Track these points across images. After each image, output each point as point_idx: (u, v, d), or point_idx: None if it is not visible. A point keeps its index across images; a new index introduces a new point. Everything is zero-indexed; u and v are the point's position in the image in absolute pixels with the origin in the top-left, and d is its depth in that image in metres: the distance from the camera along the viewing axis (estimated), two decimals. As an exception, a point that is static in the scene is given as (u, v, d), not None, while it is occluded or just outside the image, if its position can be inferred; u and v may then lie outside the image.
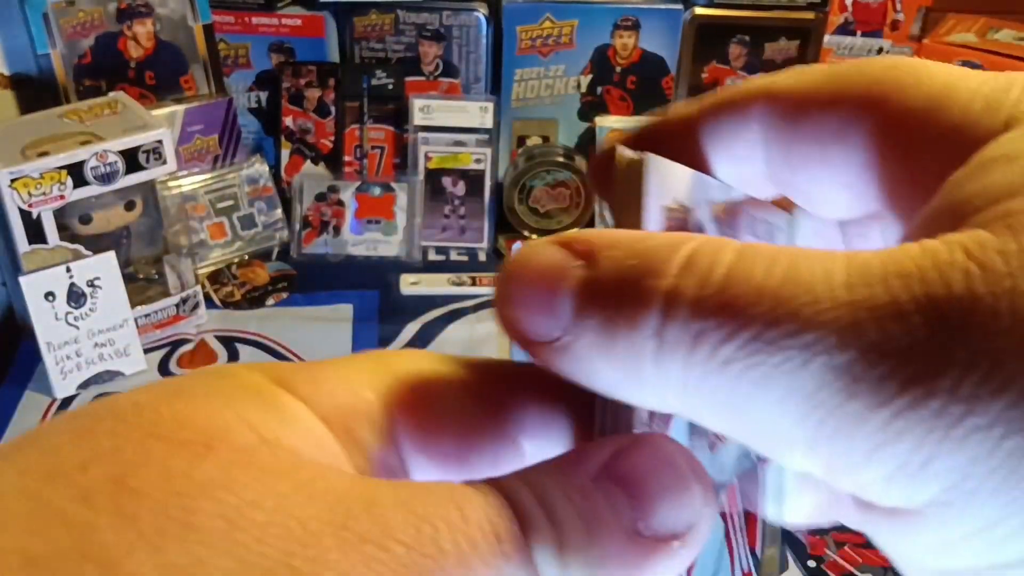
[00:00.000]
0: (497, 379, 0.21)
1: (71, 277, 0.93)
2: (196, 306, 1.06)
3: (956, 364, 0.14)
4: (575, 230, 0.19)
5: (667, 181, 0.20)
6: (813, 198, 0.21)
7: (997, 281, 0.14)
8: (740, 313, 0.15)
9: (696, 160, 0.21)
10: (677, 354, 0.16)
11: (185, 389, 0.17)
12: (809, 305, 0.15)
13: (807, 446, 0.16)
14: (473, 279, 1.14)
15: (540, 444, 0.20)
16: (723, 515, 0.22)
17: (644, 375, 0.17)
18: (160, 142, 0.96)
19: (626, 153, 0.19)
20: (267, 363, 0.19)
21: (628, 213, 0.19)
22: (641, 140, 0.22)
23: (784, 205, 0.22)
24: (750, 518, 0.23)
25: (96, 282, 0.95)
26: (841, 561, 0.80)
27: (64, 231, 0.95)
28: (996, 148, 0.16)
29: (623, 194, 0.19)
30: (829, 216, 0.21)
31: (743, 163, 0.21)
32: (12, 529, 0.14)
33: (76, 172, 0.92)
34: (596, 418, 0.19)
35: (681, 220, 0.20)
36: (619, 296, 0.17)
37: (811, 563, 0.80)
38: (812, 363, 0.15)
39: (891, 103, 0.18)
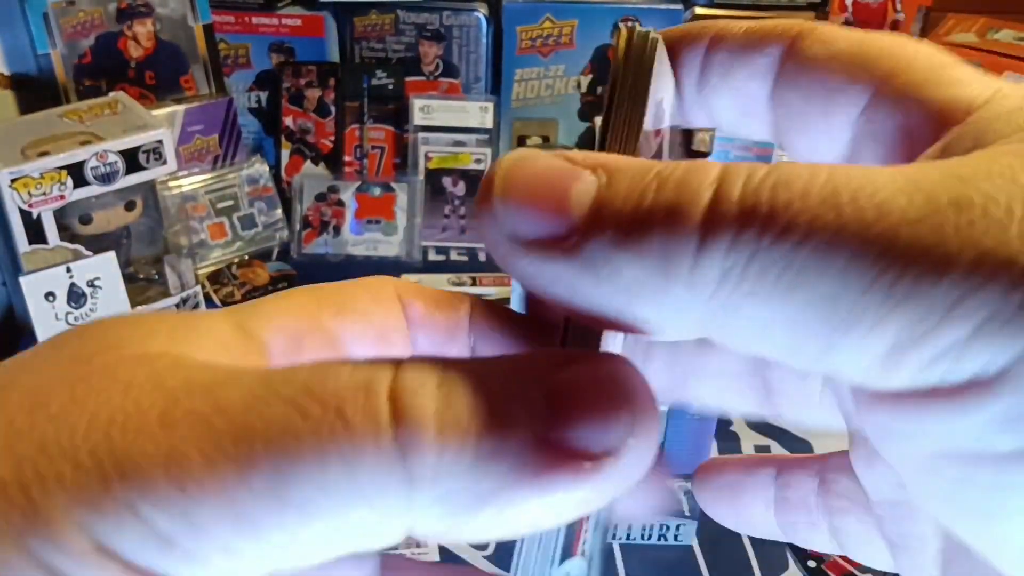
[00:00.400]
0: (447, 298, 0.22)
1: (71, 277, 0.93)
2: (196, 306, 1.06)
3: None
4: (570, 151, 0.18)
5: (662, 77, 0.19)
6: (801, 145, 0.21)
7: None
8: (791, 207, 0.15)
9: (703, 78, 0.22)
10: (724, 236, 0.15)
11: (112, 322, 0.19)
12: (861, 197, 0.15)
13: (874, 320, 0.15)
14: (473, 279, 1.14)
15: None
16: None
17: (677, 266, 0.16)
18: (160, 142, 0.96)
19: (644, 31, 0.19)
20: (244, 303, 0.21)
21: (635, 96, 0.18)
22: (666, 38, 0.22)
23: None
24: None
25: (96, 282, 0.94)
26: (841, 561, 0.80)
27: (64, 231, 0.95)
28: (991, 108, 0.18)
29: (631, 73, 0.19)
30: (819, 159, 0.21)
31: (747, 97, 0.21)
32: None
33: (76, 172, 0.92)
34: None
35: (656, 120, 0.20)
36: (649, 200, 0.16)
37: (811, 563, 0.80)
38: (876, 226, 0.15)
39: (903, 95, 0.19)
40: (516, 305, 0.21)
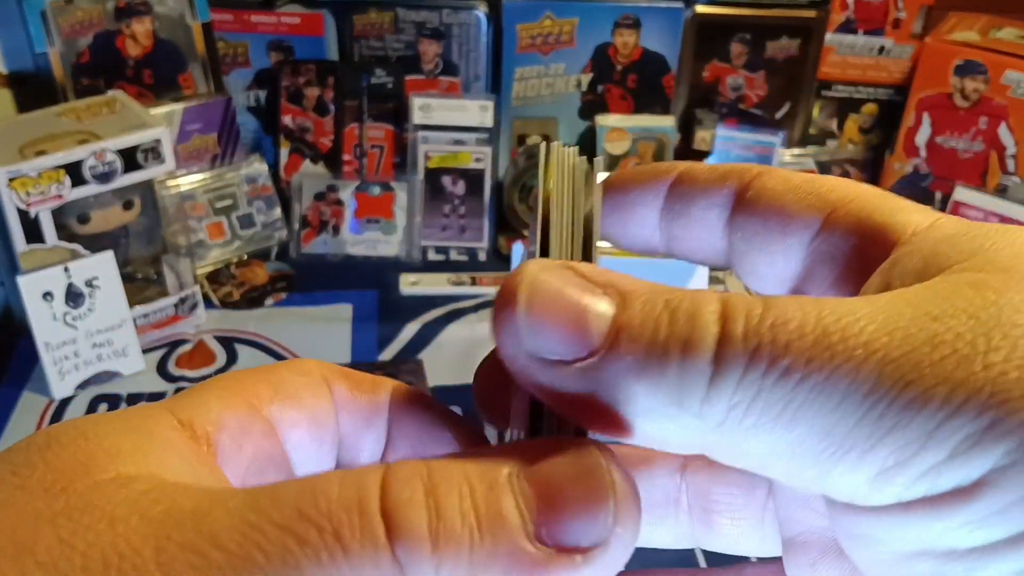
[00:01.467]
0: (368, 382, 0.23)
1: (69, 277, 0.93)
2: (195, 306, 1.05)
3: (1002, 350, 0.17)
4: (577, 263, 0.20)
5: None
6: (759, 265, 0.23)
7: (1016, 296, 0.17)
8: (792, 337, 0.17)
9: (654, 211, 0.24)
10: (736, 371, 0.17)
11: (66, 438, 0.19)
12: (855, 324, 0.17)
13: (863, 449, 0.17)
14: (473, 279, 1.14)
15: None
16: None
17: (690, 399, 0.17)
18: (158, 141, 0.96)
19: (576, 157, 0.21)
20: (182, 395, 0.22)
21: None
22: (616, 181, 0.25)
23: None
24: None
25: (94, 282, 0.94)
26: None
27: (62, 230, 0.95)
28: (934, 231, 0.20)
29: (569, 192, 0.21)
30: (762, 288, 0.24)
31: (705, 225, 0.23)
32: None
33: (74, 171, 0.92)
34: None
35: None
36: (667, 324, 0.18)
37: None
38: (868, 362, 0.17)
39: (854, 220, 0.21)
40: None
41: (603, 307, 0.18)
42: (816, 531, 0.24)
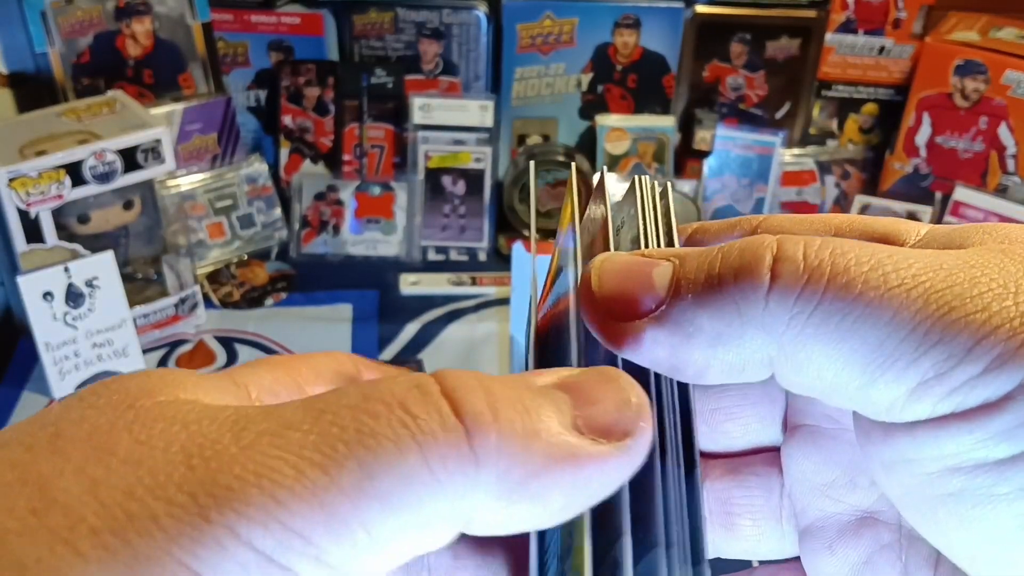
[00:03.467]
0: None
1: (69, 277, 0.93)
2: (195, 306, 1.05)
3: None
4: (642, 249, 0.23)
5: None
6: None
7: None
8: (844, 260, 0.20)
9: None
10: (792, 290, 0.20)
11: (135, 375, 0.20)
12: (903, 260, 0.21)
13: (910, 359, 0.19)
14: (473, 279, 1.13)
15: None
16: None
17: (752, 317, 0.20)
18: (159, 141, 0.96)
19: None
20: (235, 367, 0.23)
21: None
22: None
23: None
24: None
25: (94, 282, 0.94)
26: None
27: (62, 230, 0.95)
28: (937, 230, 0.23)
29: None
30: None
31: None
32: None
33: (74, 171, 0.92)
34: None
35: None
36: (719, 266, 0.21)
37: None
38: (918, 287, 0.19)
39: (860, 233, 0.24)
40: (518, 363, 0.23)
41: (663, 266, 0.22)
42: (831, 515, 0.25)
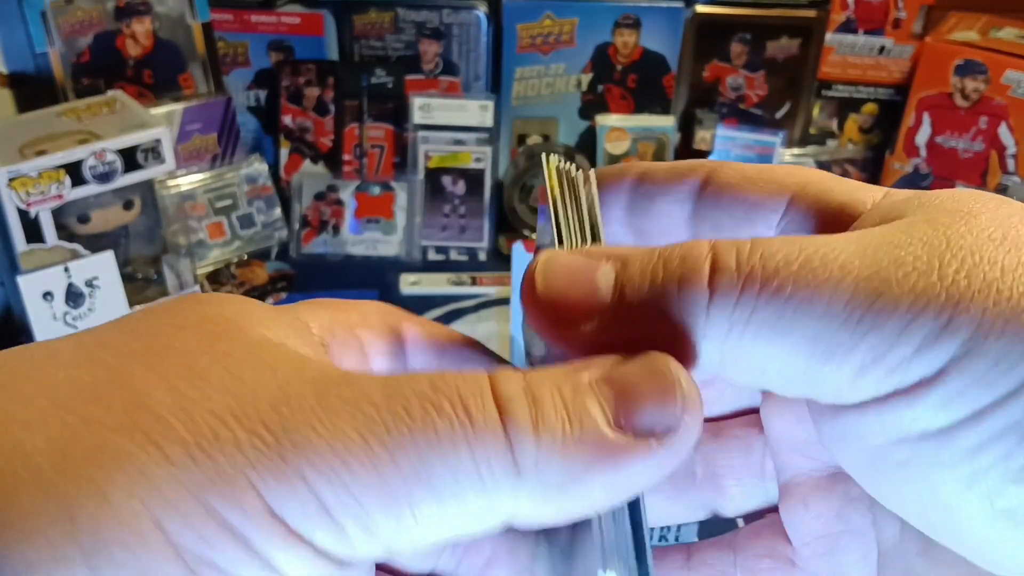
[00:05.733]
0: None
1: (69, 277, 0.93)
2: (195, 306, 1.05)
3: (952, 267, 0.20)
4: (585, 248, 0.23)
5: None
6: None
7: (957, 236, 0.21)
8: (778, 257, 0.20)
9: (631, 204, 0.26)
10: (731, 295, 0.20)
11: (214, 299, 0.22)
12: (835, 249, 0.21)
13: (848, 347, 0.20)
14: (473, 279, 1.13)
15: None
16: None
17: (694, 323, 0.21)
18: (159, 141, 0.96)
19: (566, 166, 0.24)
20: (294, 305, 0.24)
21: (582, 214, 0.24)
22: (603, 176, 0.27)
23: None
24: None
25: (94, 282, 0.94)
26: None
27: (62, 230, 0.95)
28: (889, 198, 0.23)
29: (572, 199, 0.24)
30: None
31: (670, 219, 0.26)
32: (69, 368, 0.19)
33: (74, 171, 0.92)
34: None
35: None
36: (661, 268, 0.21)
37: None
38: (846, 278, 0.20)
39: (815, 201, 0.24)
40: (516, 331, 0.24)
41: (605, 270, 0.22)
42: (805, 472, 0.26)
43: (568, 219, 0.24)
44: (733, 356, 0.21)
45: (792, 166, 0.25)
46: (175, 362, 0.19)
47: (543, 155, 0.25)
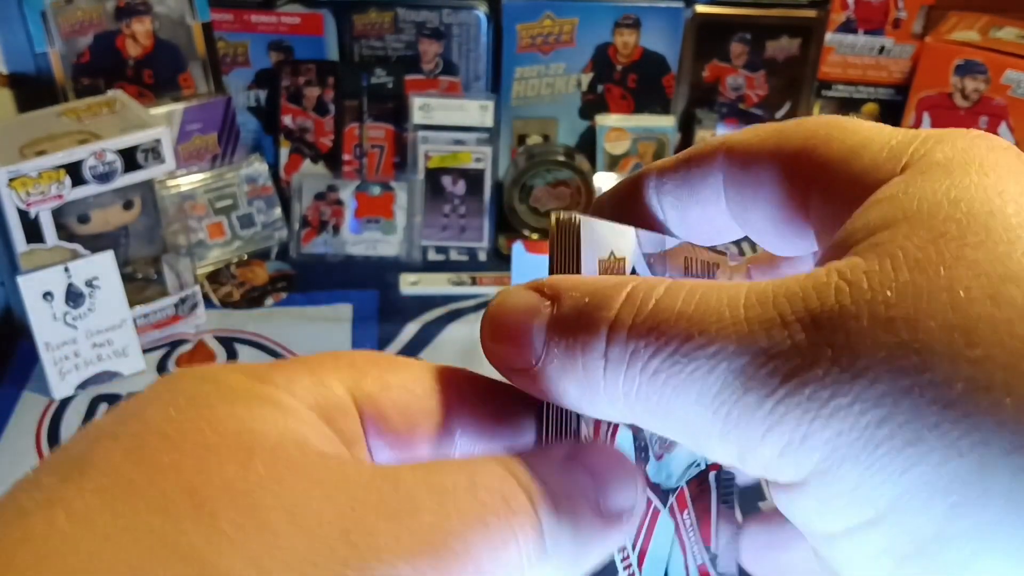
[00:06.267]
0: (441, 379, 0.24)
1: (69, 277, 0.93)
2: (195, 306, 1.05)
3: (824, 359, 0.18)
4: (546, 277, 0.23)
5: (601, 237, 0.24)
6: (766, 237, 0.24)
7: (860, 295, 0.18)
8: (663, 333, 0.20)
9: (665, 208, 0.26)
10: (619, 370, 0.20)
11: (198, 398, 0.20)
12: (715, 323, 0.19)
13: (720, 437, 0.19)
14: (473, 279, 1.13)
15: (471, 441, 0.25)
16: (672, 514, 0.26)
17: (597, 390, 0.21)
18: (159, 141, 0.96)
19: (561, 215, 0.24)
20: (235, 364, 0.23)
21: (566, 267, 0.23)
22: (616, 195, 0.27)
23: (718, 251, 0.27)
24: (703, 518, 0.27)
25: (94, 282, 0.94)
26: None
27: (62, 230, 0.95)
28: (884, 190, 0.20)
29: (561, 251, 0.24)
30: (783, 254, 0.25)
31: (709, 207, 0.25)
32: (110, 547, 0.16)
33: (74, 171, 0.92)
34: (542, 432, 0.23)
35: (618, 270, 0.24)
36: (576, 327, 0.21)
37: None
38: (717, 368, 0.19)
39: (818, 153, 0.22)
40: None
41: (541, 317, 0.22)
42: None
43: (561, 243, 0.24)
44: (638, 415, 0.21)
45: (804, 120, 0.23)
46: (222, 505, 0.18)
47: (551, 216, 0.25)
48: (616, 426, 0.24)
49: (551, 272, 0.24)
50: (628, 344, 0.20)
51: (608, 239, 0.24)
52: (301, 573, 0.17)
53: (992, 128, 1.12)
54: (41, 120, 0.98)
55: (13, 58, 1.09)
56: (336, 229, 1.17)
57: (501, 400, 0.24)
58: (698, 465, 0.27)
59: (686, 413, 0.20)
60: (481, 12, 1.16)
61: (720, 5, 1.18)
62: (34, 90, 1.09)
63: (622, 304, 0.21)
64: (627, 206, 0.26)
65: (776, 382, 0.18)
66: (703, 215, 0.25)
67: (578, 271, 0.23)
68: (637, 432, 0.25)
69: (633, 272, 0.25)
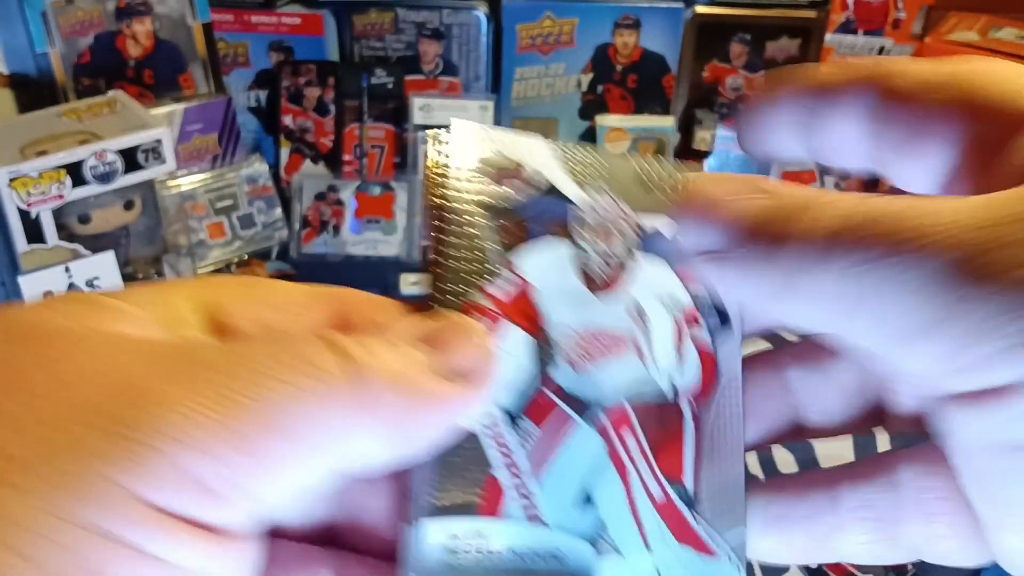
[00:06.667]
0: (312, 295, 0.25)
1: (70, 277, 0.93)
2: (195, 306, 1.05)
3: None
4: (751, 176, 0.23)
5: (482, 140, 0.26)
6: (901, 175, 0.24)
7: None
8: (885, 225, 0.19)
9: (795, 121, 0.25)
10: (832, 261, 0.19)
11: (49, 304, 0.21)
12: (936, 217, 0.19)
13: (932, 331, 0.18)
14: (473, 279, 1.13)
15: None
16: (604, 434, 0.25)
17: (799, 283, 0.20)
18: (159, 141, 0.96)
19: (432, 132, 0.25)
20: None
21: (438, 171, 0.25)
22: (766, 91, 0.26)
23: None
24: (664, 447, 0.25)
25: (95, 282, 0.94)
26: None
27: (63, 231, 0.95)
28: None
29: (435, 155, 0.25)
30: (913, 189, 0.24)
31: (842, 135, 0.24)
32: None
33: (75, 171, 0.92)
34: None
35: (514, 174, 0.25)
36: (788, 219, 0.21)
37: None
38: (944, 255, 0.18)
39: (979, 97, 0.22)
40: None
41: (747, 205, 0.21)
42: None
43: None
44: (840, 308, 0.20)
45: (976, 65, 0.23)
46: (2, 381, 0.19)
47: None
48: (503, 326, 0.24)
49: (427, 186, 0.25)
50: (843, 234, 0.19)
51: (496, 143, 0.25)
52: (51, 425, 0.18)
53: (991, 128, 1.13)
54: (42, 120, 0.98)
55: (14, 58, 1.09)
56: (336, 229, 1.17)
57: (369, 310, 0.25)
58: (656, 387, 0.26)
59: (898, 305, 0.19)
60: (481, 12, 1.16)
61: (720, 6, 1.18)
62: (35, 90, 1.09)
63: (836, 199, 0.20)
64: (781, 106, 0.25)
65: (1017, 274, 0.17)
66: (830, 140, 0.24)
67: (446, 172, 0.24)
68: (540, 337, 0.25)
69: (541, 178, 0.26)
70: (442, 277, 0.25)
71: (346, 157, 1.20)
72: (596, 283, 0.26)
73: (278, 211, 1.18)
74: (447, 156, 0.26)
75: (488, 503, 0.24)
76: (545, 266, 0.25)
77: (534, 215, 0.26)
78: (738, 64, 1.21)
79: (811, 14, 1.18)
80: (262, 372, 0.19)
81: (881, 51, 1.20)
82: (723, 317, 0.26)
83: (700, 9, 1.17)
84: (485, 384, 0.23)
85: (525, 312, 0.25)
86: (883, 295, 0.19)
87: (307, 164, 1.21)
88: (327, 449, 0.20)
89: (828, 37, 1.20)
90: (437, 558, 0.23)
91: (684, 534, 0.25)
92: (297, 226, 1.17)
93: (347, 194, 1.17)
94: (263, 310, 0.23)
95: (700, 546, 0.25)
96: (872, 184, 1.23)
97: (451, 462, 0.23)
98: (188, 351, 0.20)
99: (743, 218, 0.21)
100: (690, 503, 0.25)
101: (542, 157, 0.26)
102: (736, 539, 0.25)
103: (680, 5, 1.17)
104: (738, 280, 0.22)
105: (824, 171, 1.24)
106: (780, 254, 0.20)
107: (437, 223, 0.25)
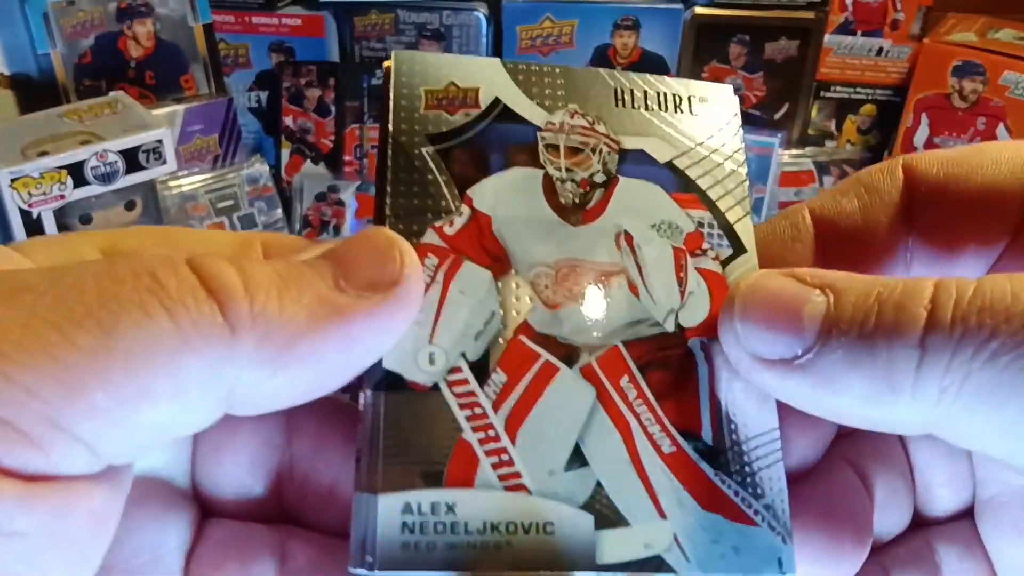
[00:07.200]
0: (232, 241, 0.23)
1: (71, 277, 0.93)
2: (196, 306, 1.05)
3: None
4: (800, 269, 0.21)
5: (433, 68, 0.23)
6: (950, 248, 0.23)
7: None
8: (1000, 314, 0.17)
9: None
10: (941, 359, 0.18)
11: None
12: None
13: None
14: (473, 279, 1.14)
15: None
16: (591, 377, 0.22)
17: (903, 385, 0.18)
18: (160, 142, 0.96)
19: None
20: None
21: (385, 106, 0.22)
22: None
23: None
24: (671, 395, 0.22)
25: (96, 282, 0.94)
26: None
27: (64, 231, 0.95)
28: None
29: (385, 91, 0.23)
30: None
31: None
32: None
33: (76, 172, 0.92)
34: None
35: (467, 101, 0.23)
36: (877, 318, 0.19)
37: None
38: None
39: None
40: None
41: (815, 304, 0.20)
42: (1017, 490, 0.23)
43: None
44: (946, 422, 0.19)
45: (1013, 146, 0.22)
46: None
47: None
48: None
49: (382, 116, 0.22)
50: (954, 330, 0.18)
51: (443, 70, 0.23)
52: None
53: (990, 129, 1.13)
54: (43, 121, 0.98)
55: (15, 59, 1.09)
56: (337, 230, 1.18)
57: (288, 245, 0.23)
58: (656, 325, 0.22)
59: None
60: (481, 14, 1.17)
61: (719, 7, 1.18)
62: (36, 91, 1.10)
63: (935, 292, 0.18)
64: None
65: None
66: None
67: (388, 106, 0.22)
68: (505, 273, 0.22)
69: (496, 103, 0.23)
70: (386, 217, 0.22)
71: (347, 158, 1.20)
72: (572, 212, 0.23)
73: (279, 211, 1.19)
74: (392, 88, 0.23)
75: (457, 471, 0.20)
76: (508, 197, 0.22)
77: (492, 143, 0.23)
78: (737, 65, 1.21)
79: (810, 15, 1.18)
80: (92, 291, 0.17)
81: (880, 52, 1.20)
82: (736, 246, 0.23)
83: (699, 10, 1.18)
84: (400, 297, 0.19)
85: (485, 247, 0.22)
86: (1013, 387, 0.17)
87: (308, 165, 1.22)
88: (185, 382, 0.17)
89: (827, 38, 1.20)
90: (392, 537, 0.19)
91: (709, 498, 0.21)
92: (298, 226, 1.18)
93: (348, 194, 1.17)
94: (171, 251, 0.20)
95: (732, 512, 0.21)
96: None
97: (407, 424, 0.20)
98: (11, 275, 0.17)
99: (823, 310, 0.19)
100: (713, 460, 0.22)
101: (502, 82, 0.24)
102: (777, 504, 0.22)
103: (679, 6, 1.17)
104: (815, 387, 0.20)
105: (823, 170, 1.25)
106: (884, 350, 0.19)
107: (380, 159, 0.22)
